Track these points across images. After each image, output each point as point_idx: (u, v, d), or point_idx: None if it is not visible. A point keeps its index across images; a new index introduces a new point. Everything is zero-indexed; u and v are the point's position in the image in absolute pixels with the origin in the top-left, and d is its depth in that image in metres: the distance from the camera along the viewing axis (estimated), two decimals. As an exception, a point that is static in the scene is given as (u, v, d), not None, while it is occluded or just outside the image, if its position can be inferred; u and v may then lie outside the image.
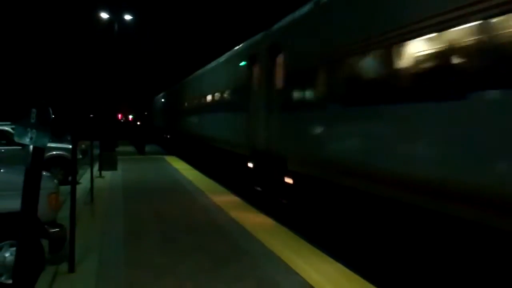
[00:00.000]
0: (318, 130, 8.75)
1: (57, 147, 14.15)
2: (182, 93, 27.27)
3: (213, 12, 49.90)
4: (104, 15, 30.76)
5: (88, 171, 12.74)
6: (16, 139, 3.48)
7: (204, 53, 38.93)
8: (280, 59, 10.48)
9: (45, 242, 5.60)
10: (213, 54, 21.70)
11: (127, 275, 5.56)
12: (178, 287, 5.22)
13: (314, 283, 5.30)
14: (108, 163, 16.04)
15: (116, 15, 30.75)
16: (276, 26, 11.34)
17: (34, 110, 3.10)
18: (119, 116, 52.72)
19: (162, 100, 39.33)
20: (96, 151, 15.02)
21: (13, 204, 4.11)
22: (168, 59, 57.76)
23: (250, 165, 12.38)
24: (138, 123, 52.31)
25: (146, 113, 48.47)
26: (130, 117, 68.30)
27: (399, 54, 6.10)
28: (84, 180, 13.86)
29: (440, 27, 5.29)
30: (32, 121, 3.07)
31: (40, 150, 2.94)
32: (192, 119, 22.78)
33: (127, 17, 31.53)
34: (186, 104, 25.38)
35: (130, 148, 31.25)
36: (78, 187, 9.99)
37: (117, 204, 10.25)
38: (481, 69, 4.81)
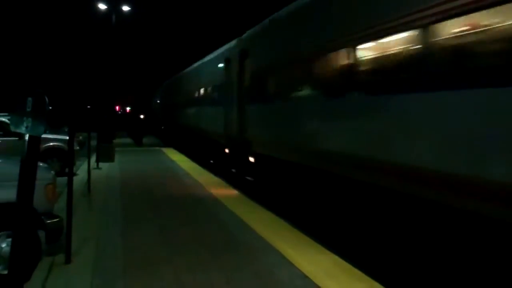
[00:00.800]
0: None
1: (54, 139, 14.11)
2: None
3: (212, 1, 49.67)
4: (101, 6, 30.56)
5: (85, 162, 12.71)
6: (12, 128, 3.44)
7: (203, 45, 38.77)
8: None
9: (42, 233, 5.59)
10: (211, 46, 21.55)
11: (124, 266, 5.55)
12: (176, 279, 5.21)
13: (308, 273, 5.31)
14: (106, 155, 16.04)
15: (113, 5, 30.54)
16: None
17: (30, 99, 3.04)
18: (117, 107, 52.48)
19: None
20: (94, 143, 14.97)
21: (10, 194, 4.08)
22: (166, 50, 57.52)
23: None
24: (142, 116, 51.12)
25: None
26: (128, 109, 68.10)
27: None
28: (81, 171, 13.84)
29: None
30: (28, 109, 3.01)
31: (35, 139, 2.89)
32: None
33: (125, 8, 31.31)
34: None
35: (127, 140, 31.19)
36: (75, 178, 9.96)
37: (114, 195, 10.23)
38: None
